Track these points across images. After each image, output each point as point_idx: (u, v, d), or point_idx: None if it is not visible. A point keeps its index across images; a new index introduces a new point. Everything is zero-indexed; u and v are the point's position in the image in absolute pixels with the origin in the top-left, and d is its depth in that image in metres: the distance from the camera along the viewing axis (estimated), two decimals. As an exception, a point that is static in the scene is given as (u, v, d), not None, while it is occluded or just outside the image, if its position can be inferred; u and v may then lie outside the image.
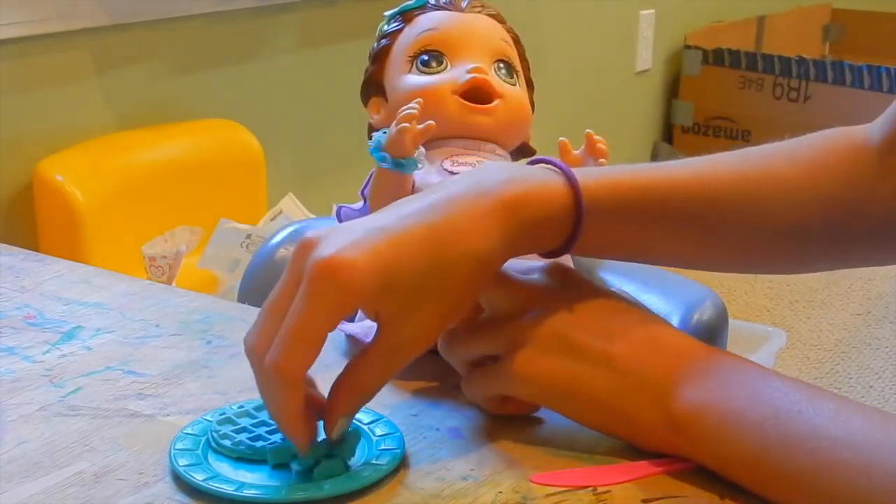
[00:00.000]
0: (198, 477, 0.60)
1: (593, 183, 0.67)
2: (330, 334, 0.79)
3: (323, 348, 0.77)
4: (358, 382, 0.62)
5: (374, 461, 0.62)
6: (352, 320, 0.79)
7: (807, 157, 0.76)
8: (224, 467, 0.62)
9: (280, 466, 0.62)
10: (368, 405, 0.68)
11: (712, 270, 0.78)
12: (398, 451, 0.63)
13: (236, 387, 0.72)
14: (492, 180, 0.65)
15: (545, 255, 0.70)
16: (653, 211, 0.69)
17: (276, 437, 0.64)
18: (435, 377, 0.73)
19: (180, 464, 0.61)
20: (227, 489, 0.59)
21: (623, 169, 0.70)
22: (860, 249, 0.78)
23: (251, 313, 0.84)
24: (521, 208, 0.65)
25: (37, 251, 0.96)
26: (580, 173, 0.68)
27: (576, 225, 0.67)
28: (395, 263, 0.60)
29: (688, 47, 3.56)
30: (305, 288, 0.60)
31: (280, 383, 0.59)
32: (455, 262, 0.62)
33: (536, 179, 0.67)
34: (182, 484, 0.61)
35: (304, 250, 0.61)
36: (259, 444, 0.63)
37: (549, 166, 0.69)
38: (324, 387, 0.72)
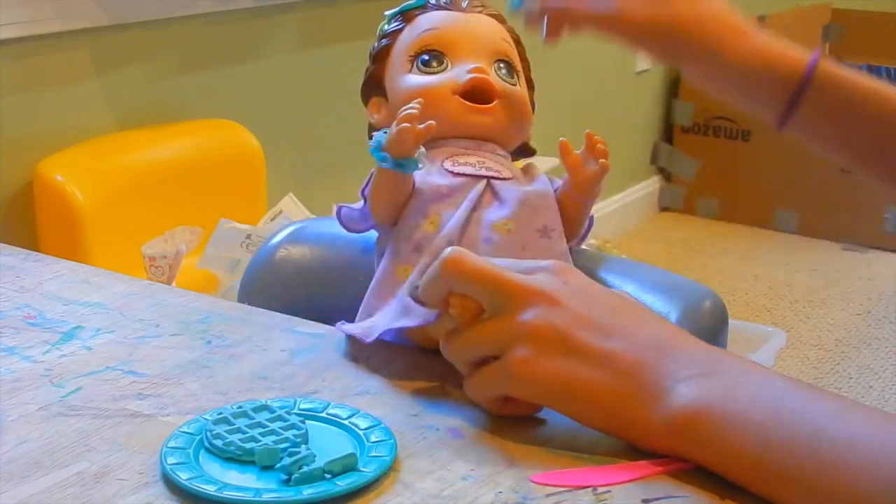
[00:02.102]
0: (182, 476, 0.60)
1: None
2: (330, 335, 0.79)
3: (322, 349, 0.77)
4: None
5: (360, 468, 0.62)
6: (351, 320, 0.79)
7: None
8: (214, 467, 0.62)
9: (268, 469, 0.62)
10: (368, 409, 0.68)
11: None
12: (387, 458, 0.62)
13: (236, 387, 0.72)
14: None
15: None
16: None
17: (268, 440, 0.64)
18: (435, 377, 0.73)
19: (169, 462, 0.62)
20: (209, 489, 0.59)
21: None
22: None
23: (251, 313, 0.84)
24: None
25: (37, 251, 0.96)
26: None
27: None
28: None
29: (688, 47, 3.55)
30: None
31: None
32: None
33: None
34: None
35: None
36: (249, 445, 0.63)
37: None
38: (324, 388, 0.72)
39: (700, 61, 0.83)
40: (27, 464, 0.63)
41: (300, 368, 0.75)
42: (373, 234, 0.83)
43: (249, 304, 0.92)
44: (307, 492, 0.60)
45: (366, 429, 0.65)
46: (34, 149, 1.75)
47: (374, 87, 0.87)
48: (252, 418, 0.66)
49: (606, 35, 0.82)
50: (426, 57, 0.84)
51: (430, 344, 0.75)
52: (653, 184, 3.65)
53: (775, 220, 3.47)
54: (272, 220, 1.85)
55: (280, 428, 0.65)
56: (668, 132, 3.67)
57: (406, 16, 0.87)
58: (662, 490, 0.61)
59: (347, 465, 0.61)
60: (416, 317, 0.74)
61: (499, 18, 0.88)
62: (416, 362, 0.76)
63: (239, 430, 0.64)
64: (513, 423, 0.68)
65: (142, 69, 1.94)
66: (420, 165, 0.77)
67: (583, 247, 0.88)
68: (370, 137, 0.81)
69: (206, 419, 0.66)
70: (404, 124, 0.75)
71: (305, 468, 0.61)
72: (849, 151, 0.81)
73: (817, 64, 0.79)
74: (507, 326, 0.66)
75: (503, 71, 0.84)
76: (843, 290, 3.04)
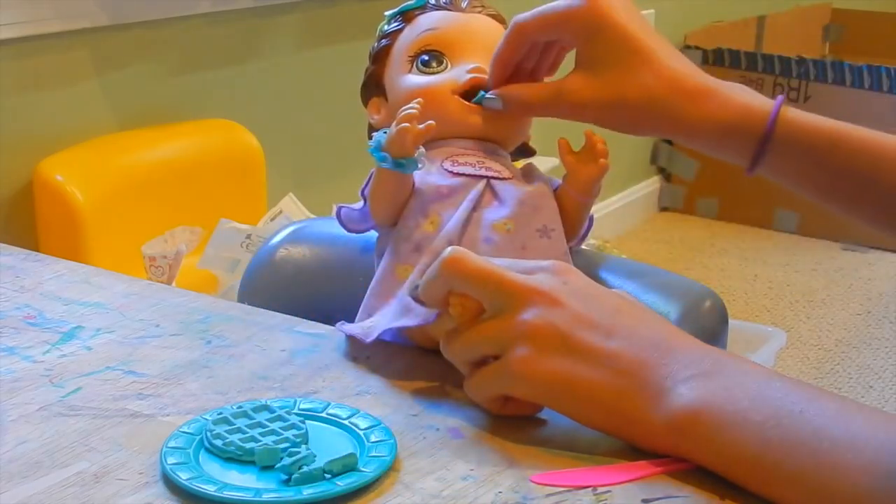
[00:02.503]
0: (182, 476, 0.60)
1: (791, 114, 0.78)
2: (330, 335, 0.79)
3: (322, 349, 0.77)
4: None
5: (360, 468, 0.62)
6: (351, 320, 0.79)
7: None
8: (214, 467, 0.62)
9: (268, 469, 0.62)
10: (368, 409, 0.68)
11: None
12: (387, 458, 0.62)
13: (236, 387, 0.72)
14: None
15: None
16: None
17: (268, 440, 0.64)
18: (435, 377, 0.73)
19: (169, 462, 0.62)
20: (209, 489, 0.59)
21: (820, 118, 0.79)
22: None
23: (251, 313, 0.84)
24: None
25: (37, 251, 0.96)
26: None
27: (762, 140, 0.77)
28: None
29: (688, 47, 3.56)
30: None
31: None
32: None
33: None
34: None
35: None
36: (249, 445, 0.63)
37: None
38: (324, 388, 0.72)
39: (659, 131, 0.82)
40: (27, 464, 0.63)
41: (300, 368, 0.75)
42: (373, 234, 0.83)
43: (249, 304, 0.92)
44: (307, 492, 0.60)
45: (366, 429, 0.65)
46: (34, 149, 1.75)
47: (373, 87, 0.87)
48: (252, 418, 0.66)
49: (565, 118, 0.81)
50: (426, 57, 0.84)
51: (430, 344, 0.75)
52: (653, 184, 3.65)
53: (775, 220, 3.47)
54: (272, 220, 1.85)
55: (280, 428, 0.65)
56: (668, 132, 3.67)
57: (406, 16, 0.87)
58: (662, 490, 0.61)
59: (347, 465, 0.61)
60: (416, 316, 0.74)
61: (498, 19, 0.88)
62: (416, 362, 0.76)
63: (239, 430, 0.64)
64: (513, 423, 0.68)
65: (142, 69, 1.94)
66: (420, 165, 0.77)
67: (583, 247, 0.88)
68: (370, 137, 0.81)
69: (206, 419, 0.66)
70: (404, 124, 0.75)
71: (305, 468, 0.61)
72: (817, 193, 0.80)
73: (778, 115, 0.77)
74: (508, 326, 0.66)
75: (503, 71, 0.84)
76: (843, 290, 3.04)
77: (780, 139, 0.77)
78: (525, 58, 0.81)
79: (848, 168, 0.78)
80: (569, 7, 0.78)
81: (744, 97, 0.79)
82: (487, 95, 0.81)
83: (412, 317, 0.74)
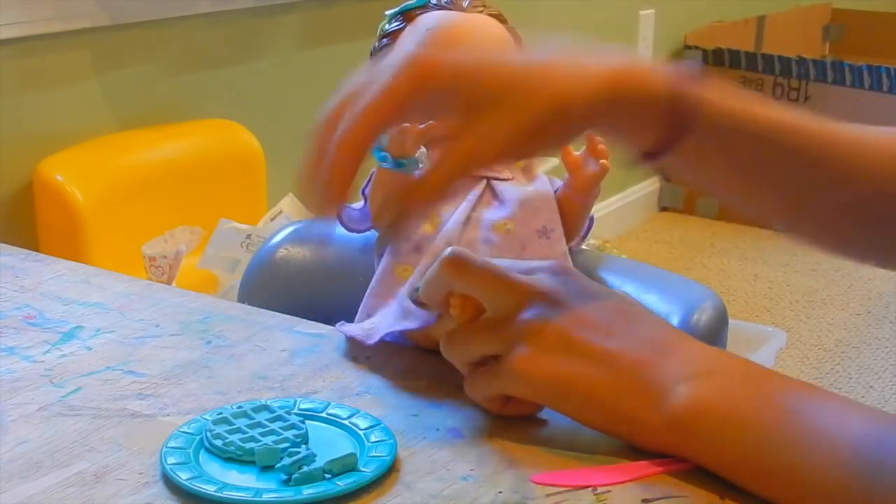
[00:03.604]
0: (182, 476, 0.60)
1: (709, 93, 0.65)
2: (330, 335, 0.79)
3: (322, 349, 0.77)
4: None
5: (360, 468, 0.62)
6: (351, 320, 0.79)
7: None
8: (214, 467, 0.62)
9: (268, 469, 0.62)
10: (368, 409, 0.68)
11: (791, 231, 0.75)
12: (387, 458, 0.62)
13: (236, 387, 0.72)
14: (606, 53, 0.64)
15: (643, 156, 0.66)
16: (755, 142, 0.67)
17: (268, 440, 0.64)
18: (435, 377, 0.73)
19: (169, 462, 0.62)
20: (209, 489, 0.60)
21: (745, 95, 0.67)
22: None
23: (251, 313, 0.84)
24: (629, 82, 0.63)
25: (37, 251, 0.96)
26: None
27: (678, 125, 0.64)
28: (478, 68, 0.62)
29: (688, 47, 3.55)
30: (389, 71, 0.61)
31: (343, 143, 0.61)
32: (542, 89, 0.61)
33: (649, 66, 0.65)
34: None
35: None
36: (249, 445, 0.63)
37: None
38: (324, 388, 0.72)
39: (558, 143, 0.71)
40: (27, 464, 0.63)
41: (300, 368, 0.75)
42: (373, 234, 0.84)
43: (249, 304, 0.92)
44: (307, 492, 0.60)
45: (366, 429, 0.65)
46: (34, 149, 1.75)
47: (374, 87, 0.87)
48: (252, 418, 0.66)
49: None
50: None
51: (431, 344, 0.75)
52: (653, 184, 3.65)
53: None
54: (272, 220, 1.85)
55: (280, 428, 0.65)
56: (669, 132, 3.66)
57: (407, 15, 0.87)
58: (662, 490, 0.61)
59: (347, 465, 0.61)
60: (417, 319, 0.74)
61: (500, 18, 0.88)
62: (416, 362, 0.76)
63: (239, 430, 0.64)
64: (513, 423, 0.68)
65: (142, 69, 1.94)
66: (420, 165, 0.77)
67: (583, 247, 0.88)
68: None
69: (206, 419, 0.66)
70: (405, 124, 0.75)
71: (305, 468, 0.61)
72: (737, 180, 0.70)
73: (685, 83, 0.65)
74: (508, 326, 0.66)
75: (503, 71, 0.84)
76: (843, 290, 3.04)
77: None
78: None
79: (773, 151, 0.68)
80: (407, 77, 0.62)
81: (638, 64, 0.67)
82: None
83: (413, 319, 0.74)
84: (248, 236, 1.74)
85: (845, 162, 0.69)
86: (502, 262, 0.69)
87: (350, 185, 0.61)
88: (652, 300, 0.90)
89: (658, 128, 0.64)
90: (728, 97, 0.65)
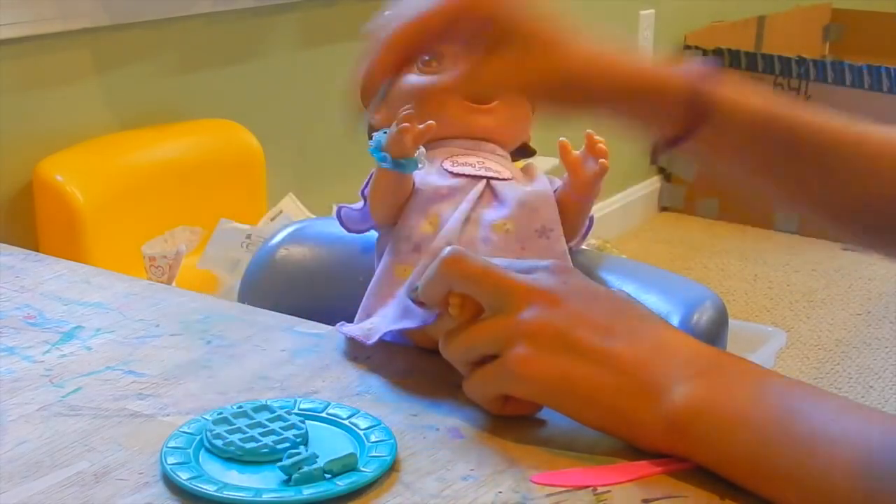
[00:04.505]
0: (182, 476, 0.60)
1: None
2: (330, 335, 0.79)
3: (322, 349, 0.77)
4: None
5: (360, 468, 0.62)
6: (351, 320, 0.79)
7: None
8: (214, 467, 0.62)
9: (269, 469, 0.62)
10: (368, 409, 0.68)
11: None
12: (387, 458, 0.63)
13: (236, 387, 0.72)
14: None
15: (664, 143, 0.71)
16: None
17: (268, 440, 0.64)
18: (435, 377, 0.73)
19: (169, 462, 0.62)
20: (209, 489, 0.60)
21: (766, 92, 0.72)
22: None
23: (251, 313, 0.84)
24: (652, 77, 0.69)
25: (37, 251, 0.96)
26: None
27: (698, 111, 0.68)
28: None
29: (688, 47, 3.55)
30: None
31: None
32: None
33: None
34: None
35: None
36: (249, 445, 0.63)
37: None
38: (324, 388, 0.72)
39: (578, 106, 0.72)
40: (27, 464, 0.63)
41: (300, 368, 0.75)
42: (373, 234, 0.84)
43: (249, 304, 0.92)
44: (307, 492, 0.60)
45: (366, 429, 0.65)
46: (34, 149, 1.75)
47: (374, 87, 0.87)
48: (252, 418, 0.66)
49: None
50: (426, 56, 0.84)
51: (430, 344, 0.75)
52: (653, 184, 3.65)
53: (775, 220, 3.47)
54: (272, 220, 1.85)
55: (280, 428, 0.65)
56: (669, 132, 3.66)
57: (406, 16, 0.87)
58: (662, 490, 0.61)
59: (347, 465, 0.61)
60: (416, 318, 0.74)
61: (499, 18, 0.88)
62: (416, 362, 0.76)
63: (239, 430, 0.64)
64: (513, 423, 0.68)
65: (142, 69, 1.94)
66: (420, 165, 0.77)
67: (583, 247, 0.88)
68: (370, 137, 0.81)
69: (206, 419, 0.66)
70: (404, 124, 0.75)
71: (305, 468, 0.61)
72: (757, 172, 0.74)
73: (711, 84, 0.69)
74: (507, 325, 0.66)
75: (503, 71, 0.84)
76: (843, 290, 3.04)
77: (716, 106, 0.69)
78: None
79: (787, 148, 0.71)
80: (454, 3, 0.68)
81: (662, 61, 0.72)
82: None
83: (412, 318, 0.74)
84: (248, 236, 1.74)
85: (860, 160, 0.72)
86: (502, 262, 0.69)
87: (380, 84, 0.70)
88: (652, 300, 0.90)
89: (677, 118, 0.68)
90: (746, 93, 0.69)
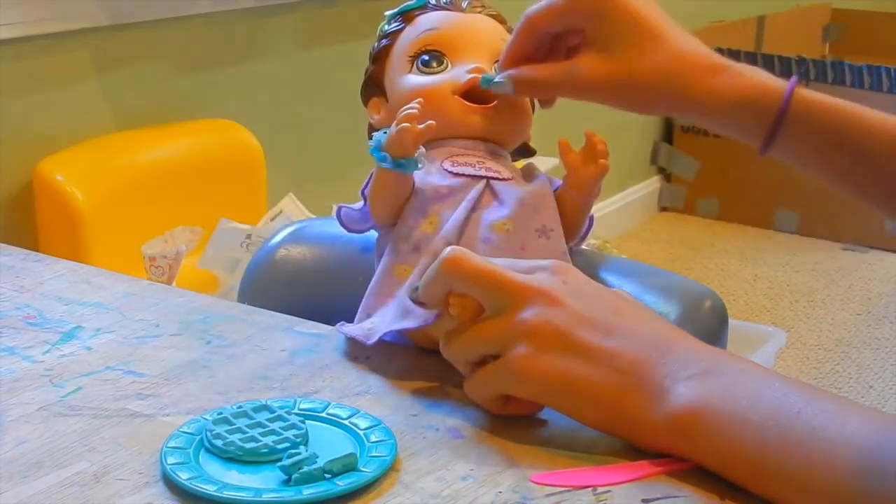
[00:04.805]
0: (182, 476, 0.60)
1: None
2: (330, 335, 0.79)
3: (322, 349, 0.77)
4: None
5: (360, 468, 0.62)
6: (351, 320, 0.79)
7: None
8: (214, 467, 0.62)
9: (269, 469, 0.62)
10: (368, 409, 0.68)
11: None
12: (387, 458, 0.62)
13: (236, 387, 0.72)
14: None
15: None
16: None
17: (268, 440, 0.64)
18: (435, 377, 0.73)
19: (169, 462, 0.62)
20: (209, 489, 0.60)
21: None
22: None
23: (251, 313, 0.84)
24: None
25: (37, 251, 0.96)
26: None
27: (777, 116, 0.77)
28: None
29: (688, 47, 3.55)
30: None
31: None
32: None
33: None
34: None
35: None
36: (249, 445, 0.63)
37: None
38: (324, 388, 0.72)
39: (672, 109, 0.81)
40: (27, 464, 0.63)
41: (300, 368, 0.75)
42: (373, 234, 0.84)
43: (249, 304, 0.92)
44: (307, 492, 0.60)
45: (366, 429, 0.65)
46: (34, 149, 1.75)
47: (373, 87, 0.87)
48: (252, 418, 0.66)
49: (577, 98, 0.82)
50: (426, 57, 0.84)
51: (430, 344, 0.75)
52: (653, 184, 3.65)
53: (775, 220, 3.47)
54: (272, 220, 1.85)
55: (280, 428, 0.65)
56: (668, 132, 3.67)
57: (406, 16, 0.87)
58: (662, 490, 0.61)
59: (347, 465, 0.61)
60: (416, 318, 0.74)
61: (499, 19, 0.88)
62: (416, 362, 0.76)
63: (239, 430, 0.64)
64: (513, 423, 0.68)
65: (142, 69, 1.94)
66: (420, 165, 0.77)
67: (583, 247, 0.88)
68: (370, 137, 0.81)
69: (206, 419, 0.66)
70: (404, 124, 0.75)
71: (305, 468, 0.61)
72: (832, 175, 0.80)
73: (793, 94, 0.77)
74: (507, 325, 0.66)
75: (503, 71, 0.84)
76: (843, 290, 3.04)
77: (795, 117, 0.77)
78: (534, 52, 0.81)
79: (863, 149, 0.77)
80: None
81: (758, 75, 0.79)
82: (496, 79, 0.81)
83: (412, 318, 0.74)
84: (248, 236, 1.74)
85: None
86: (501, 262, 0.69)
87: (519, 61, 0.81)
88: (652, 300, 0.90)
89: (762, 128, 0.78)
90: (822, 102, 0.78)
